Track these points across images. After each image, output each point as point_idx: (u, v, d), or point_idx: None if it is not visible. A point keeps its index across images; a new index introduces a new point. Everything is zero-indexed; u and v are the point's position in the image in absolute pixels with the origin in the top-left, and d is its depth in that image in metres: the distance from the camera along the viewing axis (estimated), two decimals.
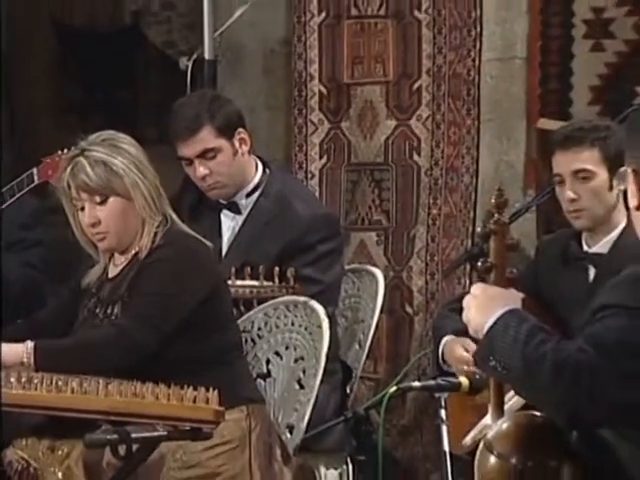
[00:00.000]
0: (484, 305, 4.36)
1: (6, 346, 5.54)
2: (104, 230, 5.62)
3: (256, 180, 6.17)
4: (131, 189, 5.59)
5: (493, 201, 4.81)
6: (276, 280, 6.11)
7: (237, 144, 6.09)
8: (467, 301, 4.45)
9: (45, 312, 6.04)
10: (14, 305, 6.18)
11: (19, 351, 5.55)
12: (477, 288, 4.45)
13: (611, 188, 5.19)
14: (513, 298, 4.38)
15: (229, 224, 6.17)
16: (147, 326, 5.52)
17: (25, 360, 5.52)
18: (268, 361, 6.08)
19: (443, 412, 5.21)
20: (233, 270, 5.99)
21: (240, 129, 6.09)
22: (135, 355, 5.41)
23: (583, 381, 4.26)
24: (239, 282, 6.00)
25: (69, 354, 5.54)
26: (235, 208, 6.14)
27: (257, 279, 6.02)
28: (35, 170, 6.21)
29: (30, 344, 5.54)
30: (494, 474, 4.41)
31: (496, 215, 4.69)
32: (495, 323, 4.32)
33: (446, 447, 5.11)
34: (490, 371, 4.41)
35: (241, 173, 6.11)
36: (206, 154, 6.05)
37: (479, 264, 4.49)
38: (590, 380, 4.25)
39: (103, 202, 5.61)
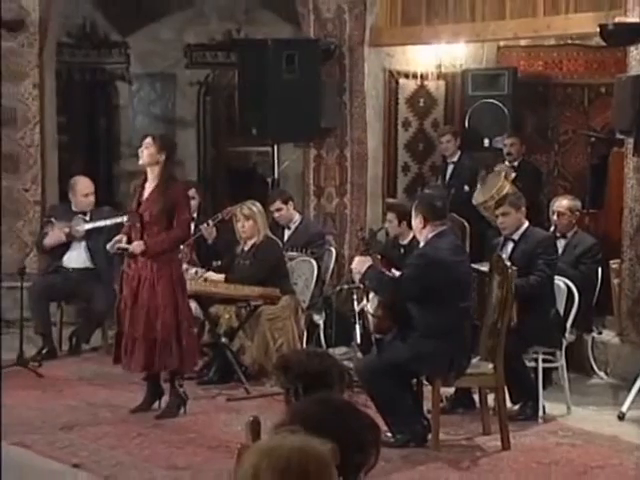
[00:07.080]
0: (358, 264, 4.53)
1: (219, 276, 5.77)
2: (246, 231, 5.77)
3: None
4: (257, 219, 5.73)
5: (360, 233, 5.22)
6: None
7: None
8: (354, 262, 4.63)
9: (224, 262, 5.96)
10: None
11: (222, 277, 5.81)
12: (356, 258, 4.64)
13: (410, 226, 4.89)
14: (368, 260, 4.52)
15: None
16: (266, 271, 5.63)
17: (222, 280, 5.72)
18: (296, 279, 5.99)
19: (355, 295, 5.42)
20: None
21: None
22: (261, 278, 5.61)
23: (399, 290, 4.41)
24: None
25: (240, 281, 5.61)
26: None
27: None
28: (219, 214, 6.02)
29: (224, 276, 5.80)
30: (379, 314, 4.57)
31: (364, 237, 4.99)
32: (365, 271, 4.48)
33: (357, 308, 5.38)
34: (368, 287, 4.61)
35: None
36: None
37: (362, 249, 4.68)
38: (401, 289, 4.40)
39: (247, 220, 5.74)
